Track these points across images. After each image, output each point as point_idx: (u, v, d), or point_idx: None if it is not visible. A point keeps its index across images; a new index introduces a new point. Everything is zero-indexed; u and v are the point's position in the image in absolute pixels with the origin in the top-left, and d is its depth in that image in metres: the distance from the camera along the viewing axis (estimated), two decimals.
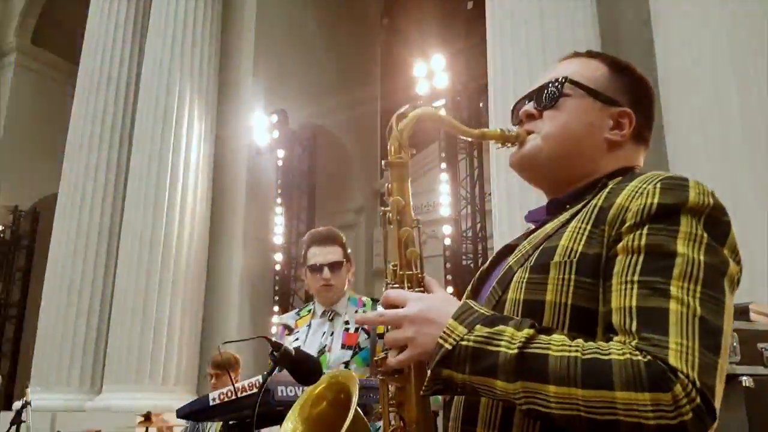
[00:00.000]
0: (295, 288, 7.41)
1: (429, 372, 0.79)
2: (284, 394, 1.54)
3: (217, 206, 7.23)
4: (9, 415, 5.73)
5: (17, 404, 6.34)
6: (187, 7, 7.24)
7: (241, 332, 6.94)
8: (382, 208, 0.95)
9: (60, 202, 7.60)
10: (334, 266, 2.07)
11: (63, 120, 10.97)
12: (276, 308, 7.19)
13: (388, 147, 0.94)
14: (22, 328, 9.69)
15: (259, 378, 1.46)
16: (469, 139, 1.02)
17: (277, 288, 7.26)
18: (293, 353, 1.26)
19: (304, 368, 1.27)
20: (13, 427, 4.31)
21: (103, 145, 7.48)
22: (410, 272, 0.91)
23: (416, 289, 0.90)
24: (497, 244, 4.53)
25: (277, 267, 7.27)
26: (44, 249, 9.96)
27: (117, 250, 6.86)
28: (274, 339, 1.32)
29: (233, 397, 1.57)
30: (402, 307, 0.84)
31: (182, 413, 1.80)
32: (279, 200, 7.20)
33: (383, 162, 0.96)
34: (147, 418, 3.66)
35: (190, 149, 6.96)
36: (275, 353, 1.24)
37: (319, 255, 2.08)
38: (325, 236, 2.14)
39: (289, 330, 2.09)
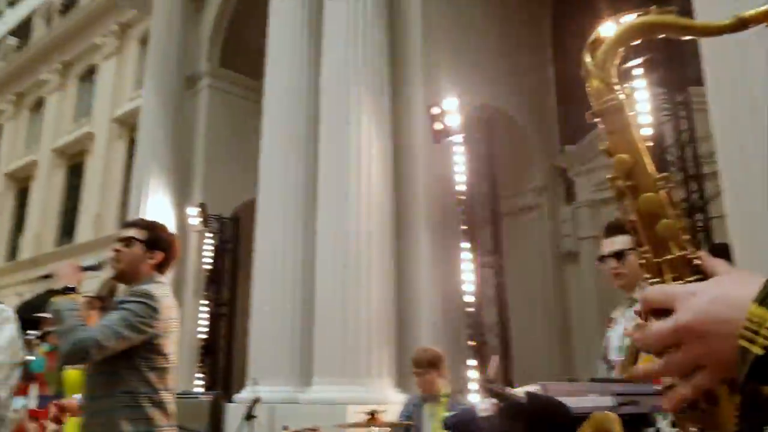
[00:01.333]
0: None
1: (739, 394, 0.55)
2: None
3: (400, 198, 7.35)
4: (232, 407, 6.38)
5: (241, 396, 7.02)
6: (356, 8, 7.47)
7: (435, 322, 7.00)
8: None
9: (260, 207, 8.21)
10: (620, 255, 2.14)
11: (254, 132, 11.94)
12: None
13: (589, 92, 0.71)
14: (233, 324, 10.67)
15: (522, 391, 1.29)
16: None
17: None
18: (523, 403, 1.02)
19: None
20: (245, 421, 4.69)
21: (291, 150, 7.96)
22: (671, 255, 0.65)
23: (689, 279, 0.63)
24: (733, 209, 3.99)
25: None
26: (247, 251, 10.88)
27: (314, 248, 7.24)
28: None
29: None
30: (670, 313, 0.57)
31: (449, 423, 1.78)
32: (458, 188, 7.13)
33: (590, 114, 0.72)
34: (372, 416, 3.73)
35: (371, 145, 7.15)
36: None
37: (606, 245, 2.20)
38: (611, 227, 2.24)
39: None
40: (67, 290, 2.50)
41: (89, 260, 2.80)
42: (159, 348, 2.51)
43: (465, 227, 6.76)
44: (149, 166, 11.04)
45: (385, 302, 6.88)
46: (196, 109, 11.77)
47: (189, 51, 11.89)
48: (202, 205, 10.49)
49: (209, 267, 10.64)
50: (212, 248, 10.68)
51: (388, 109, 7.51)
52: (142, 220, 2.88)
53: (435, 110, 7.00)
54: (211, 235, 10.64)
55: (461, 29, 8.11)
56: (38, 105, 20.30)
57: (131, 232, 2.61)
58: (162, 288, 2.57)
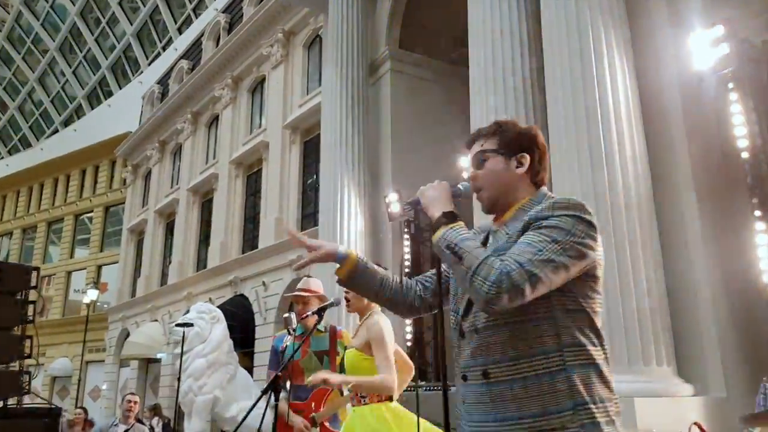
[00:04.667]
0: None
1: None
2: None
3: (653, 150, 6.29)
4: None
5: None
6: None
7: (716, 308, 5.85)
8: None
9: None
10: None
11: (439, 113, 11.36)
12: None
13: None
14: (441, 313, 10.07)
15: None
16: None
17: None
18: None
19: None
20: None
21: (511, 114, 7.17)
22: None
23: None
24: None
25: None
26: None
27: None
28: None
29: None
30: None
31: None
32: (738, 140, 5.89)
33: None
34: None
35: (617, 89, 6.15)
36: None
37: None
38: None
39: None
40: (448, 217, 1.85)
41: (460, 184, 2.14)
42: (597, 284, 1.77)
43: (753, 189, 5.49)
44: (337, 158, 10.79)
45: (657, 283, 5.85)
46: (380, 96, 11.41)
47: (368, 38, 11.57)
48: (397, 192, 10.04)
49: (408, 256, 10.18)
50: (410, 235, 10.21)
51: (629, 46, 6.46)
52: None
53: (695, 42, 5.85)
54: (408, 223, 10.17)
55: None
56: (214, 121, 21.32)
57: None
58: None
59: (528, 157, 1.89)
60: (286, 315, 4.30)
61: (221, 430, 8.88)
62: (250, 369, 13.58)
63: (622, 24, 6.45)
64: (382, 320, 3.54)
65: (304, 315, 3.99)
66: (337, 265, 2.05)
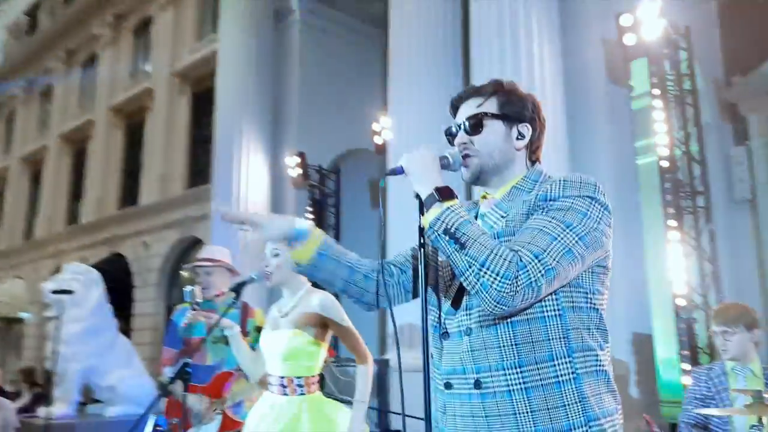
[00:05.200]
0: None
1: None
2: None
3: (572, 132, 6.20)
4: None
5: None
6: None
7: None
8: None
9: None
10: None
11: (350, 76, 10.82)
12: None
13: None
14: None
15: None
16: None
17: None
18: None
19: None
20: None
21: (432, 80, 6.83)
22: None
23: None
24: None
25: None
26: (349, 205, 9.89)
27: None
28: None
29: None
30: None
31: None
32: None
33: None
34: None
35: (543, 64, 5.96)
36: None
37: None
38: None
39: None
40: (442, 194, 1.46)
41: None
42: (607, 278, 1.52)
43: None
44: (237, 111, 9.93)
45: None
46: (287, 49, 10.64)
47: None
48: (301, 155, 9.47)
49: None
50: (313, 203, 9.71)
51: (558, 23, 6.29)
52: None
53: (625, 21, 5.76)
54: (312, 188, 9.65)
55: None
56: (92, 61, 19.33)
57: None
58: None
59: (529, 128, 1.63)
60: (188, 288, 3.74)
61: (92, 398, 8.10)
62: (127, 333, 12.59)
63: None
64: (329, 295, 3.07)
65: (220, 293, 3.41)
66: (295, 245, 1.66)
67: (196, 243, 13.37)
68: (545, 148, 1.69)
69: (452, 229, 1.37)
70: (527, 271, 1.32)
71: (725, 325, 2.82)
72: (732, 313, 2.87)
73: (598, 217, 1.42)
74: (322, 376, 3.13)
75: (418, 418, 1.48)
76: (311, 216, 9.64)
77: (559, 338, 1.41)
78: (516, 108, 1.61)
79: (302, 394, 2.94)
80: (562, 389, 1.39)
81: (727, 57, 7.93)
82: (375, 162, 10.27)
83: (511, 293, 1.32)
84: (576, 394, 1.39)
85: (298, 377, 2.93)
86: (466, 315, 1.49)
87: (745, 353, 2.84)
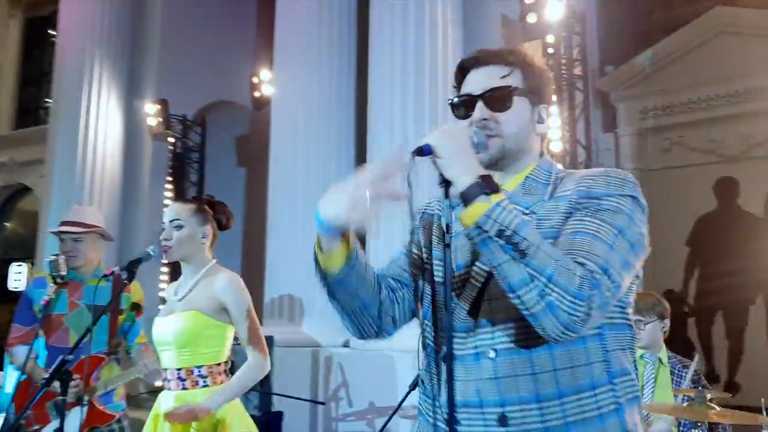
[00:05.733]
0: None
1: None
2: None
3: None
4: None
5: None
6: None
7: None
8: None
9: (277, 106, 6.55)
10: None
11: (221, 19, 9.87)
12: None
13: None
14: None
15: None
16: None
17: None
18: None
19: None
20: None
21: (324, 39, 6.33)
22: None
23: None
24: None
25: None
26: (214, 161, 9.14)
27: None
28: None
29: None
30: None
31: None
32: None
33: None
34: None
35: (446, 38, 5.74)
36: None
37: None
38: None
39: None
40: (489, 185, 1.13)
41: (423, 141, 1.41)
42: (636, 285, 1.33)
43: None
44: (82, 44, 8.54)
45: None
46: None
47: None
48: (162, 102, 8.49)
49: (170, 179, 8.76)
50: (174, 156, 8.78)
51: None
52: None
53: None
54: (174, 140, 8.71)
55: None
56: None
57: None
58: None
59: (549, 113, 1.41)
60: (52, 257, 3.08)
61: None
62: None
63: None
64: (237, 276, 2.61)
65: (110, 272, 2.76)
66: (327, 239, 1.27)
67: (23, 191, 12.01)
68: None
69: (509, 232, 1.07)
70: (600, 289, 1.09)
71: (639, 314, 2.86)
72: (646, 303, 2.92)
73: (640, 220, 1.22)
74: (232, 363, 2.67)
75: (302, 399, 1.18)
76: (171, 172, 8.72)
77: (600, 362, 1.20)
78: (541, 86, 1.36)
79: (206, 386, 2.47)
80: (605, 424, 1.18)
81: (603, 46, 8.29)
82: (246, 117, 9.56)
83: (584, 317, 1.07)
84: (619, 429, 1.19)
85: (199, 366, 2.47)
86: (489, 334, 1.22)
87: (655, 342, 2.92)
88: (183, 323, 2.48)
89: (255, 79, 7.85)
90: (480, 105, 1.29)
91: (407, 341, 4.88)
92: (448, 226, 1.14)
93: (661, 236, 7.32)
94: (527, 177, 1.31)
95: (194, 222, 2.60)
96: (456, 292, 1.25)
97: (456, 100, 1.33)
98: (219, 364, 2.53)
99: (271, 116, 6.56)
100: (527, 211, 1.25)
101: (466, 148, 1.16)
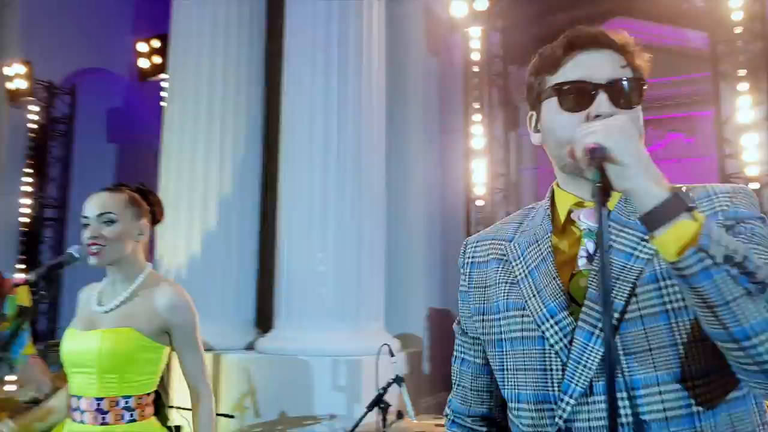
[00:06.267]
0: None
1: None
2: None
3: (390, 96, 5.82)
4: None
5: None
6: None
7: None
8: None
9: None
10: None
11: None
12: None
13: None
14: (63, 234, 7.87)
15: None
16: None
17: None
18: None
19: None
20: None
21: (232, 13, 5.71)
22: None
23: None
24: None
25: None
26: (84, 135, 8.14)
27: None
28: None
29: None
30: None
31: None
32: None
33: None
34: None
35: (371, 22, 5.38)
36: None
37: None
38: None
39: None
40: (687, 200, 0.87)
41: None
42: None
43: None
44: None
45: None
46: None
47: None
48: (27, 64, 7.33)
49: (30, 154, 7.59)
50: (37, 126, 7.62)
51: None
52: None
53: None
54: (38, 109, 7.56)
55: None
56: None
57: None
58: None
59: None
60: None
61: None
62: None
63: None
64: (182, 292, 2.11)
65: (23, 282, 2.17)
66: None
67: None
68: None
69: (738, 257, 0.81)
70: None
71: None
72: None
73: None
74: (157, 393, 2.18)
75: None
76: (33, 144, 7.57)
77: (760, 424, 0.99)
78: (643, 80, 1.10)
79: (133, 420, 1.97)
80: None
81: (507, 46, 8.35)
82: (123, 88, 8.57)
83: None
84: None
85: (127, 397, 1.96)
86: (627, 400, 0.94)
87: None
88: (113, 343, 1.94)
89: (142, 47, 6.98)
90: (603, 97, 1.00)
91: (326, 345, 4.57)
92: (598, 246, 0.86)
93: None
94: (621, 196, 1.05)
95: (129, 216, 2.08)
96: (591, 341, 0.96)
97: (566, 85, 1.02)
98: (149, 394, 2.03)
99: (165, 90, 5.84)
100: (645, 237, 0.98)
101: (644, 152, 0.87)
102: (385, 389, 2.82)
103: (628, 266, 0.96)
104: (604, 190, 0.81)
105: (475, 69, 6.05)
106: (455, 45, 6.17)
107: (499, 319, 1.07)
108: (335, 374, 4.74)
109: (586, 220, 1.04)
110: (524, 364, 1.01)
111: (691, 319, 0.93)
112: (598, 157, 0.83)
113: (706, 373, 0.93)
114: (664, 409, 0.92)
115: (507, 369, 1.05)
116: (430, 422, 2.83)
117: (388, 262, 5.36)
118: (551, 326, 0.98)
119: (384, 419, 2.72)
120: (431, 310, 5.89)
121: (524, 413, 1.02)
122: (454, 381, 1.22)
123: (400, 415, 2.79)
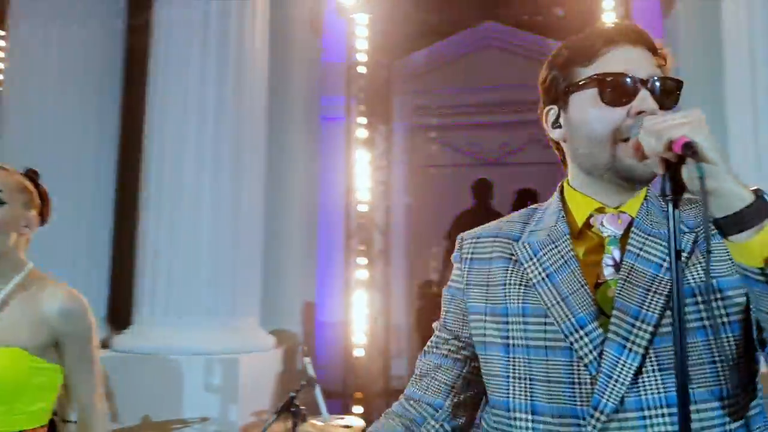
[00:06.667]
0: None
1: None
2: None
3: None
4: None
5: None
6: None
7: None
8: None
9: None
10: None
11: None
12: None
13: None
14: None
15: None
16: None
17: None
18: None
19: None
20: None
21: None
22: None
23: None
24: None
25: None
26: None
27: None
28: None
29: None
30: None
31: None
32: None
33: None
34: None
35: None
36: None
37: None
38: None
39: None
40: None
41: None
42: None
43: None
44: None
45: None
46: None
47: None
48: None
49: None
50: None
51: None
52: None
53: None
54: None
55: None
56: None
57: None
58: None
59: None
60: None
61: None
62: None
63: None
64: (77, 296, 1.72)
65: None
66: None
67: None
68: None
69: None
70: None
71: None
72: None
73: None
74: (52, 424, 1.83)
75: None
76: None
77: None
78: None
79: None
80: None
81: (377, 38, 8.35)
82: None
83: None
84: None
85: None
86: (663, 417, 0.91)
87: None
88: (3, 367, 1.55)
89: None
90: (646, 94, 0.95)
91: (198, 342, 4.25)
92: (678, 252, 0.79)
93: (425, 230, 7.73)
94: (646, 198, 1.01)
95: (19, 202, 1.70)
96: (625, 356, 0.91)
97: (609, 77, 0.96)
98: (44, 427, 1.65)
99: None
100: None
101: (721, 148, 0.82)
102: (296, 392, 2.66)
103: (659, 277, 0.91)
104: (674, 191, 0.75)
105: (360, 57, 5.98)
106: (340, 31, 6.06)
107: (507, 322, 0.99)
108: (208, 374, 4.43)
109: (609, 226, 0.98)
110: (547, 375, 0.94)
111: (728, 337, 0.91)
112: (691, 152, 0.75)
113: (738, 390, 0.91)
114: (702, 428, 0.88)
115: (516, 377, 0.97)
116: (338, 423, 2.71)
117: (264, 255, 5.11)
118: (580, 338, 0.92)
119: (295, 424, 2.55)
120: (306, 304, 5.74)
121: (541, 426, 0.94)
122: (416, 374, 1.13)
123: (304, 417, 2.64)
